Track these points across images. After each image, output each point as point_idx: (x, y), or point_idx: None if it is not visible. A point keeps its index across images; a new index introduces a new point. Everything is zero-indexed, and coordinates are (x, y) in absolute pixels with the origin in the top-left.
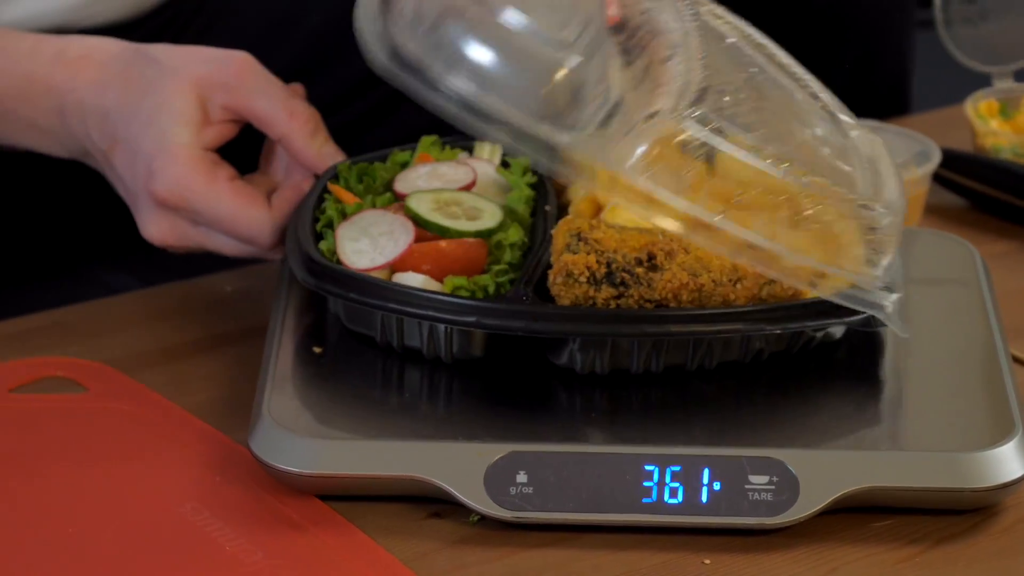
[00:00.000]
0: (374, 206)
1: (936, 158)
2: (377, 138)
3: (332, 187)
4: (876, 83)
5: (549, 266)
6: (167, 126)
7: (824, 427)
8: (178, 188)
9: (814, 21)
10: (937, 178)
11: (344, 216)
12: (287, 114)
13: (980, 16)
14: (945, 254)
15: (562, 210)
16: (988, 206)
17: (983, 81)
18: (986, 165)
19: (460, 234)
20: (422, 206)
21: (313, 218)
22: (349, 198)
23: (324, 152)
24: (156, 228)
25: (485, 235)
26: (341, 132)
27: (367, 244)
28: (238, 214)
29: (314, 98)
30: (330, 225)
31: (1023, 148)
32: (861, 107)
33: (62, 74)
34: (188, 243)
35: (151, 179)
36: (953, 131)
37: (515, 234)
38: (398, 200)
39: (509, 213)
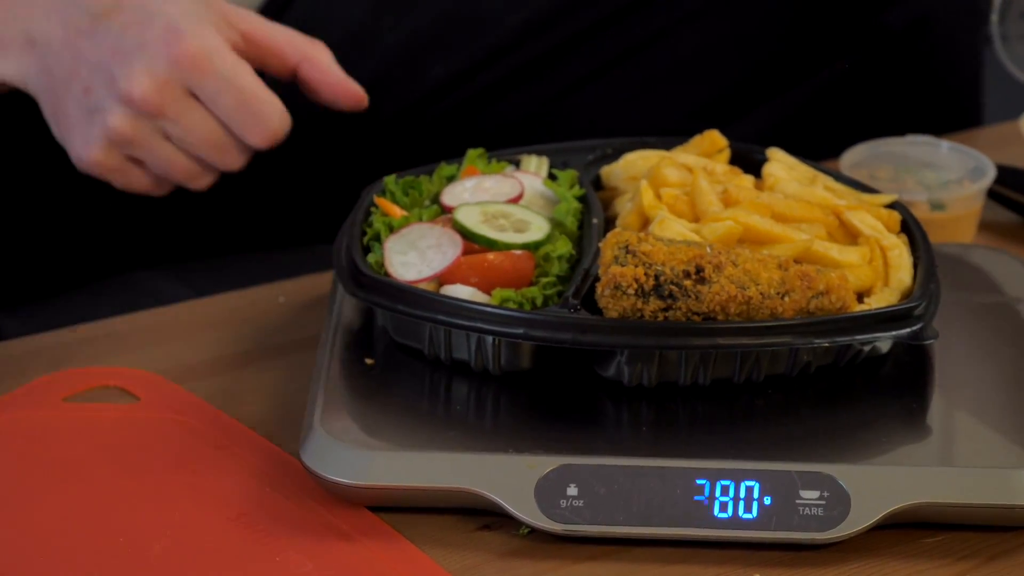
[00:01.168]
0: (421, 219)
1: (991, 174)
2: (449, 146)
3: (379, 200)
4: (948, 97)
5: (597, 278)
6: (194, 6)
7: (874, 442)
8: (208, 48)
9: (887, 40)
10: (992, 194)
11: (391, 229)
12: (308, 41)
13: None
14: (999, 270)
15: (609, 223)
16: None
17: None
18: None
19: (508, 246)
20: (470, 219)
21: (361, 232)
22: (396, 212)
23: (348, 78)
24: (151, 77)
25: (532, 247)
26: (415, 142)
27: (415, 257)
28: (259, 89)
29: (389, 110)
30: (377, 238)
31: None
32: (934, 121)
33: None
34: (176, 103)
35: (178, 38)
36: (1008, 147)
37: (563, 246)
38: (445, 213)
39: (556, 226)
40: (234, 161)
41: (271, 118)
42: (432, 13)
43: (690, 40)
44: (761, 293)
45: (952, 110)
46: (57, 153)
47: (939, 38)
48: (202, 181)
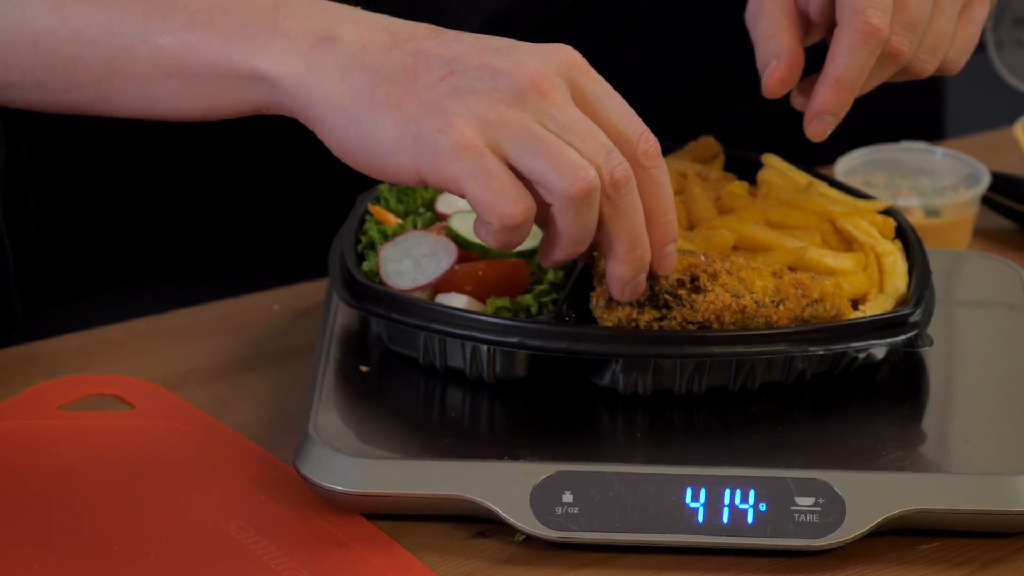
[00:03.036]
0: (416, 227)
1: (985, 181)
2: None
3: (373, 208)
4: (905, 107)
5: (591, 288)
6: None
7: (869, 449)
8: (574, 56)
9: None
10: (986, 201)
11: (386, 237)
12: None
13: None
14: (993, 277)
15: None
16: None
17: None
18: None
19: (502, 255)
20: (464, 226)
21: (355, 239)
22: (390, 219)
23: None
24: (538, 63)
25: (528, 256)
26: None
27: (409, 265)
28: (620, 100)
29: None
30: (372, 246)
31: None
32: (894, 132)
33: None
34: (561, 90)
35: (550, 46)
36: (1003, 154)
37: None
38: (440, 221)
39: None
40: (615, 167)
41: (648, 132)
42: (389, 12)
43: (646, 43)
44: (756, 302)
45: (915, 119)
46: (54, 164)
47: None
48: (582, 181)
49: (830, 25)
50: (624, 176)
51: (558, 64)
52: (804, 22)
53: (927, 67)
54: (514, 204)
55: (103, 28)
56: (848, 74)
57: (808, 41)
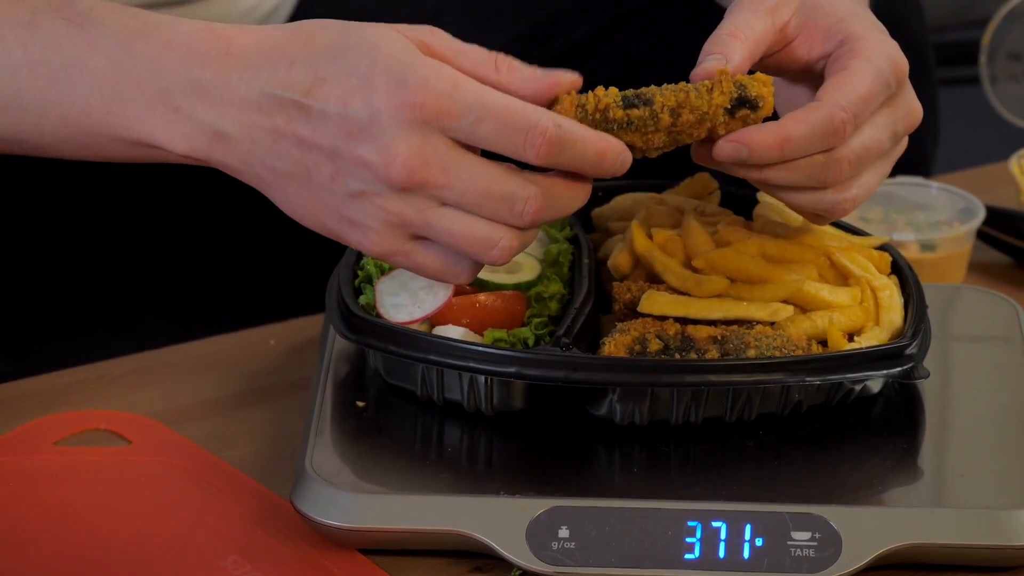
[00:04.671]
0: None
1: (980, 215)
2: None
3: None
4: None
5: (589, 318)
6: (401, 47)
7: (866, 483)
8: (444, 82)
9: None
10: (981, 235)
11: (383, 271)
12: (492, 60)
13: None
14: (989, 311)
15: (600, 264)
16: None
17: None
18: None
19: (499, 287)
20: None
21: (352, 274)
22: None
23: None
24: (406, 145)
25: (524, 288)
26: None
27: (406, 298)
28: (509, 100)
29: None
30: (369, 280)
31: None
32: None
33: (208, 41)
34: (447, 168)
35: (402, 87)
36: (997, 188)
37: (554, 287)
38: None
39: (548, 266)
40: (522, 213)
41: (538, 122)
42: None
43: (639, 40)
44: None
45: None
46: (53, 201)
47: None
48: (496, 248)
49: (801, 66)
50: (534, 214)
51: (420, 125)
52: (773, 40)
53: (843, 207)
54: (458, 273)
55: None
56: (796, 142)
57: (761, 55)
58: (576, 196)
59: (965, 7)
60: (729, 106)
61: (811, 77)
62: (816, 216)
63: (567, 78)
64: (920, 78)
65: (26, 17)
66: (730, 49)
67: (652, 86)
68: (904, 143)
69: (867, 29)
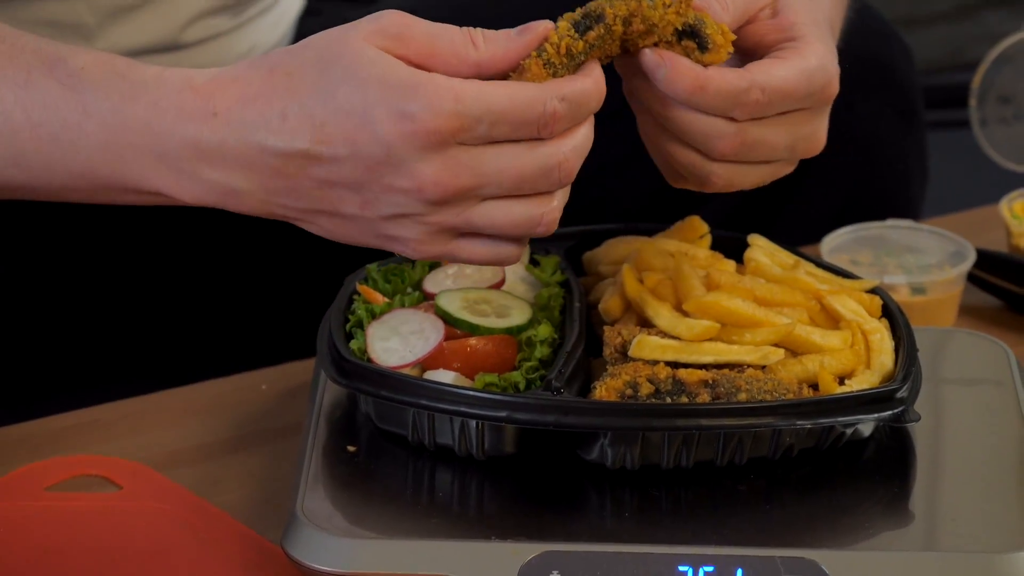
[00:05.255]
0: (403, 306)
1: (971, 258)
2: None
3: (361, 288)
4: (877, 192)
5: (580, 362)
6: (384, 69)
7: (857, 527)
8: (446, 101)
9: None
10: (972, 278)
11: (374, 316)
12: (468, 37)
13: (1015, 116)
14: (979, 354)
15: (591, 307)
16: (1022, 306)
17: (1019, 181)
18: (1021, 265)
19: (490, 331)
20: (452, 304)
21: (343, 319)
22: (378, 298)
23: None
24: (430, 167)
25: (514, 332)
26: None
27: (397, 343)
28: (512, 95)
29: None
30: (360, 325)
31: None
32: (867, 214)
33: (194, 102)
34: (476, 170)
35: (407, 118)
36: (988, 231)
37: (545, 331)
38: (427, 300)
39: (539, 310)
40: (560, 179)
41: (545, 107)
42: None
43: (628, 133)
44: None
45: (889, 203)
46: (45, 250)
47: (863, 133)
48: (542, 224)
49: (749, 46)
50: (570, 172)
51: (437, 146)
52: (753, 14)
53: (711, 183)
54: (506, 257)
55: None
56: (708, 93)
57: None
58: (589, 131)
59: (955, 51)
60: (680, 28)
61: (749, 58)
62: (677, 178)
63: (540, 29)
64: (910, 121)
65: (22, 77)
66: None
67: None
68: (793, 166)
69: (821, 41)
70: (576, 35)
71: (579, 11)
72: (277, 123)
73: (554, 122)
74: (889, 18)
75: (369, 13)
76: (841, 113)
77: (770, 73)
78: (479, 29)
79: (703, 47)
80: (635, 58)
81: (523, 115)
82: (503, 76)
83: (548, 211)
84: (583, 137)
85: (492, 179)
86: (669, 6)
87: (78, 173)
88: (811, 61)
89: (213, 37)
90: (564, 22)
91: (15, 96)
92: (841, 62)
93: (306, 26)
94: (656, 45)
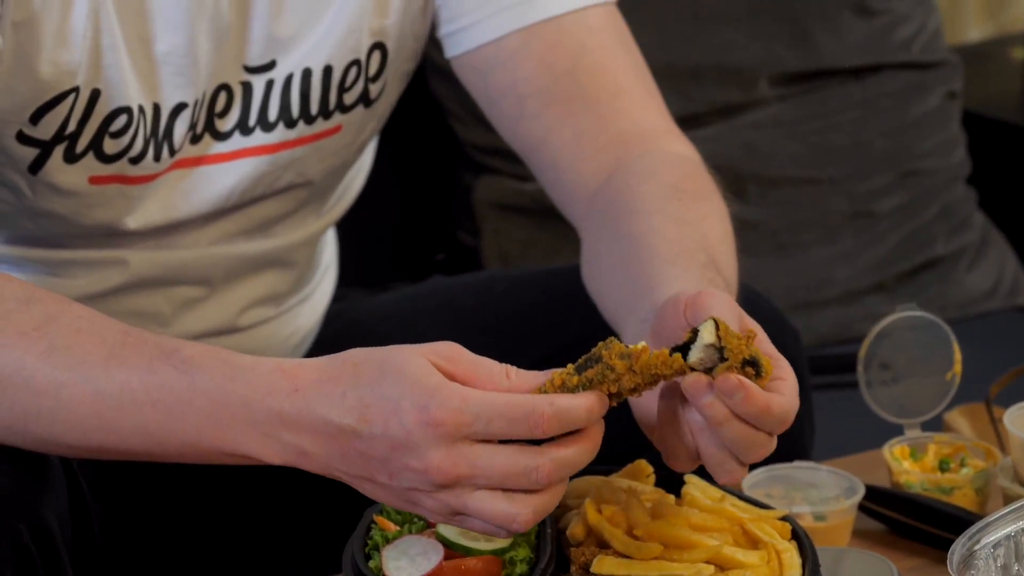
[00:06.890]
0: (411, 532)
1: (860, 492)
2: None
3: (377, 518)
4: (780, 444)
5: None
6: (421, 373)
7: None
8: (455, 400)
9: None
10: (862, 508)
11: (387, 540)
12: (503, 371)
13: (893, 380)
14: (869, 569)
15: (560, 532)
16: (903, 531)
17: (897, 430)
18: (900, 498)
19: (480, 552)
20: (449, 531)
21: (363, 543)
22: (391, 527)
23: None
24: (438, 455)
25: (499, 553)
26: None
27: (406, 562)
28: (509, 399)
29: None
30: (377, 547)
31: (929, 484)
32: (776, 459)
33: (281, 381)
34: (472, 463)
35: (425, 410)
36: (873, 470)
37: (523, 552)
38: (430, 528)
39: (518, 535)
40: (537, 480)
41: (534, 408)
42: None
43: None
44: None
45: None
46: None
47: None
48: (516, 523)
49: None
50: (548, 477)
51: (445, 437)
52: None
53: (731, 479)
54: (497, 533)
55: (138, 426)
56: (771, 415)
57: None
58: (581, 451)
59: (844, 328)
60: (747, 358)
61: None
62: (679, 462)
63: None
64: (801, 386)
65: (144, 363)
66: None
67: (613, 343)
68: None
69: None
70: (572, 373)
71: (584, 357)
72: (338, 401)
73: (542, 421)
74: (788, 303)
75: (383, 301)
76: None
77: (787, 395)
78: (514, 367)
79: (759, 374)
80: (687, 380)
81: (515, 413)
82: None
83: (522, 513)
84: (572, 453)
85: (483, 471)
86: (740, 339)
87: (189, 442)
88: (791, 380)
89: (263, 322)
90: (570, 365)
91: (140, 379)
92: None
93: (333, 311)
94: (710, 371)
